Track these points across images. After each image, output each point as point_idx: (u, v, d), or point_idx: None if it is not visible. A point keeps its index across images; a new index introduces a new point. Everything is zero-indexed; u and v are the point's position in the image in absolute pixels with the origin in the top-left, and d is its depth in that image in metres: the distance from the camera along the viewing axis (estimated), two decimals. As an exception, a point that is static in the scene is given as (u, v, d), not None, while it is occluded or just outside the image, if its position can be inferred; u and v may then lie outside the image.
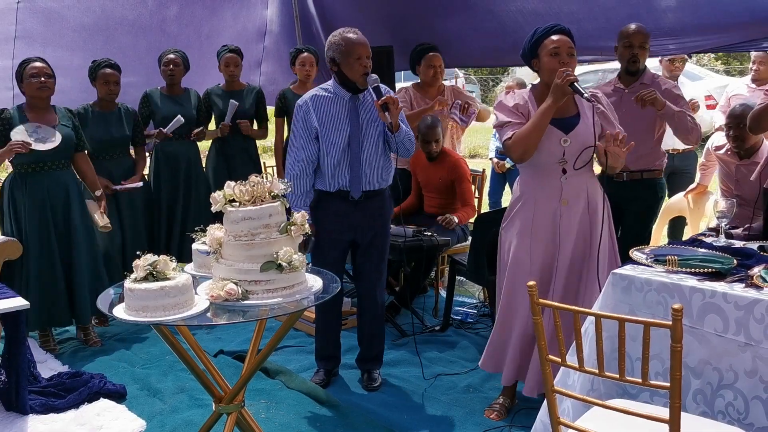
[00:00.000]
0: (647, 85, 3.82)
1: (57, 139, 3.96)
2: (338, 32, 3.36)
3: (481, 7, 5.11)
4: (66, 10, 5.01)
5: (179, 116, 4.75)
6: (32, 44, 4.81)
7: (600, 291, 2.70)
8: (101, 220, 4.15)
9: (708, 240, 2.89)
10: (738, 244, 2.82)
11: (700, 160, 4.95)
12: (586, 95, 2.84)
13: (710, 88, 7.99)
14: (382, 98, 3.25)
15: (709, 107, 6.36)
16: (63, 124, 4.06)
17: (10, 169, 4.12)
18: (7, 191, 4.06)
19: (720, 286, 2.30)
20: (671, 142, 5.12)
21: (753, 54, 5.14)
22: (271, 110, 5.35)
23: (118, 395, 3.53)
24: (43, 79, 3.94)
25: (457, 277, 4.65)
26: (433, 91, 4.95)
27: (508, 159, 6.27)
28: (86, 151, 4.23)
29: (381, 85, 3.32)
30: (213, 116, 5.15)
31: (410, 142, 3.43)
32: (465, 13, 5.23)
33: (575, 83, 2.85)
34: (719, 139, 4.23)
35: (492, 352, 3.30)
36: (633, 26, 3.82)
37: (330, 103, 3.39)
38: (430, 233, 4.39)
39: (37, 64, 3.97)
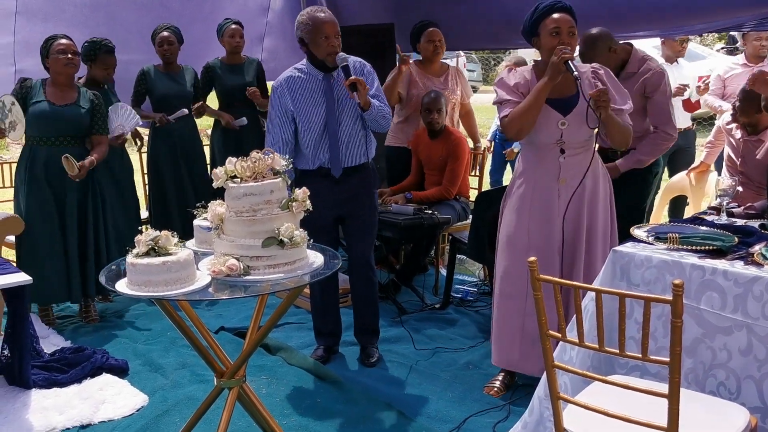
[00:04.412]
0: (634, 73, 3.73)
1: (22, 123, 3.93)
2: (306, 11, 3.34)
3: None
4: (67, -16, 4.97)
5: (185, 109, 4.76)
6: (32, 19, 4.78)
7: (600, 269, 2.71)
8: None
9: (709, 218, 2.90)
10: (739, 222, 2.82)
11: (708, 138, 4.93)
12: (575, 73, 2.82)
13: (712, 67, 7.94)
14: (349, 78, 3.22)
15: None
16: (79, 105, 4.06)
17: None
18: (22, 166, 4.08)
19: (721, 264, 2.31)
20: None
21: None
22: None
23: (120, 370, 3.55)
24: (69, 55, 3.97)
25: (458, 256, 4.66)
26: (434, 67, 4.92)
27: (515, 144, 6.21)
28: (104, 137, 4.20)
29: (350, 62, 3.30)
30: (215, 90, 5.12)
31: (383, 118, 3.39)
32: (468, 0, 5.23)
33: (570, 62, 2.83)
34: (730, 116, 4.23)
35: (501, 346, 3.26)
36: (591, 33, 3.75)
37: (304, 82, 3.38)
38: (430, 211, 4.39)
39: (64, 41, 4.00)
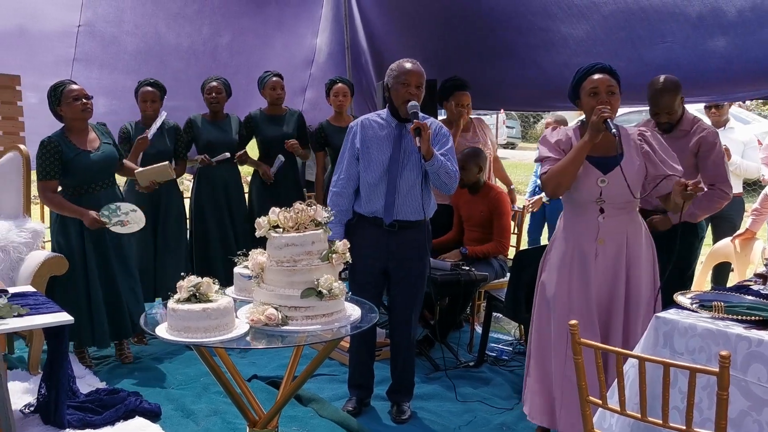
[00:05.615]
0: (687, 131, 3.76)
1: (138, 225, 4.03)
2: (397, 61, 3.44)
3: (526, 58, 5.19)
4: (124, 35, 5.19)
5: (227, 153, 4.91)
6: (90, 66, 4.98)
7: (640, 334, 2.66)
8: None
9: (755, 287, 2.83)
10: (786, 292, 2.75)
11: (753, 205, 4.86)
12: (613, 131, 2.83)
13: (757, 132, 7.89)
14: (415, 122, 3.22)
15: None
16: (105, 142, 4.14)
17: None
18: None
19: (767, 335, 2.24)
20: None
21: None
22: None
23: (153, 414, 3.56)
24: (84, 100, 3.98)
25: (494, 314, 4.61)
26: (458, 128, 4.95)
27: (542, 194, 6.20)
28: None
29: (420, 113, 3.31)
30: (256, 140, 5.23)
31: (447, 175, 3.34)
32: (510, 61, 5.32)
33: (609, 120, 2.85)
34: None
35: (543, 402, 3.17)
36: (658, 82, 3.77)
37: (377, 127, 3.46)
38: (467, 268, 4.37)
39: (75, 86, 4.00)
